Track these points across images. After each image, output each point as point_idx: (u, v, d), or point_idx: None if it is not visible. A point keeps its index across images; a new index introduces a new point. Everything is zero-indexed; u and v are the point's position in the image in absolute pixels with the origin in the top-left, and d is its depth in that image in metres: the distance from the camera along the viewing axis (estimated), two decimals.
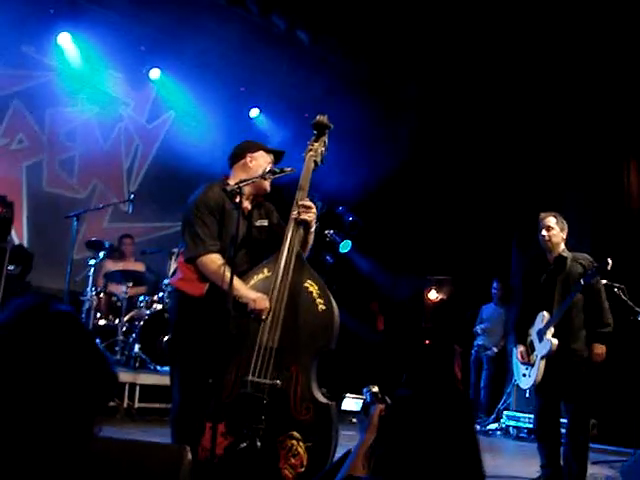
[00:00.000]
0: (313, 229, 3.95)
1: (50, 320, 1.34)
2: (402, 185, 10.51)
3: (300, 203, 3.86)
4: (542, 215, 5.51)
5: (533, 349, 5.37)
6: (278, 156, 4.19)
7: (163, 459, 2.54)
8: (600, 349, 5.16)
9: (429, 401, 1.69)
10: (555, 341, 5.16)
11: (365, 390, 2.37)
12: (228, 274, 3.57)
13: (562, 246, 5.46)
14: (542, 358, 5.24)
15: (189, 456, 2.61)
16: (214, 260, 3.79)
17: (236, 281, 3.70)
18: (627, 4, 7.62)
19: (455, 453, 1.63)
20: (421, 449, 1.62)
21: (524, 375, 5.47)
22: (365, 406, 2.30)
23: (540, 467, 5.40)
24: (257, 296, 3.70)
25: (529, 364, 5.38)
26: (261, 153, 4.10)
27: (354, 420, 8.17)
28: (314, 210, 3.89)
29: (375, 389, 2.35)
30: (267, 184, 4.04)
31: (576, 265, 5.36)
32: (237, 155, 4.12)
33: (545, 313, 5.29)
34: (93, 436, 1.35)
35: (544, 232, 5.42)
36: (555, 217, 5.47)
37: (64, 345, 1.31)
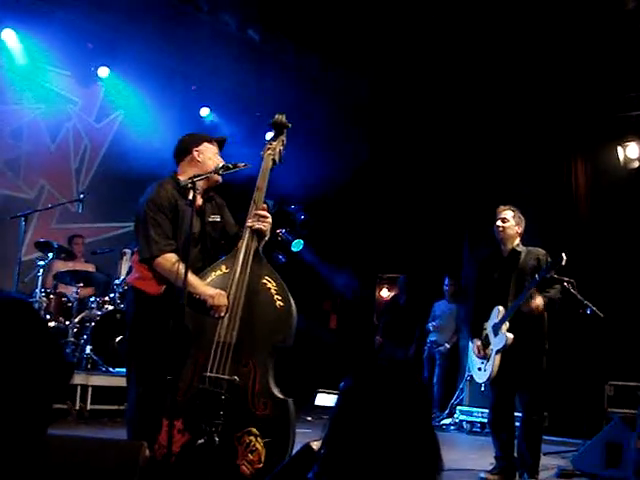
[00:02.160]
0: (267, 238, 3.94)
1: (2, 306, 1.30)
2: (354, 184, 10.56)
3: (255, 212, 3.85)
4: (500, 208, 5.58)
5: (488, 343, 5.42)
6: (221, 144, 4.16)
7: (120, 455, 2.50)
8: (540, 300, 5.15)
9: (376, 389, 1.56)
10: (510, 335, 5.22)
11: (342, 385, 2.35)
12: (183, 270, 3.54)
13: (517, 240, 5.53)
14: (497, 352, 5.30)
15: (146, 452, 2.57)
16: (169, 259, 3.75)
17: (194, 278, 3.67)
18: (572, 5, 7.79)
19: (409, 445, 1.49)
20: (369, 443, 1.49)
21: (479, 369, 5.52)
22: None
23: (494, 459, 5.48)
24: (215, 292, 3.68)
25: (484, 358, 5.43)
26: (205, 145, 4.06)
27: (309, 418, 8.18)
28: (269, 220, 3.88)
29: None
30: (219, 176, 3.99)
31: (530, 259, 5.43)
32: (183, 151, 4.07)
33: (500, 307, 5.36)
34: (49, 424, 1.32)
35: (499, 222, 5.48)
36: (512, 211, 5.53)
37: (17, 331, 1.27)
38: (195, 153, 4.02)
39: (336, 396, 2.01)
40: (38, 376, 1.29)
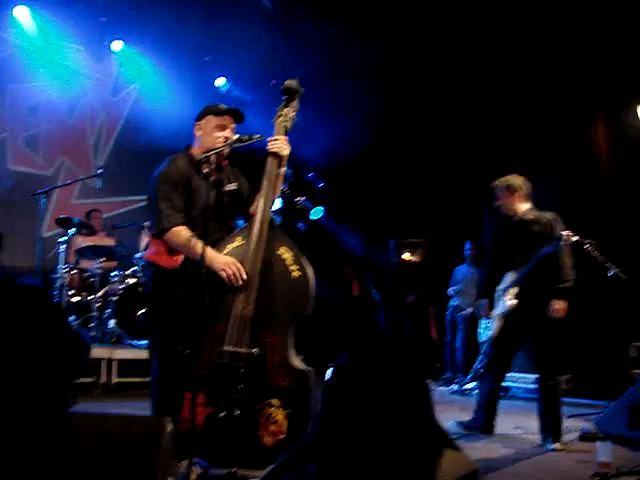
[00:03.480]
0: (284, 163, 3.97)
1: (15, 294, 1.31)
2: (373, 151, 10.48)
3: (270, 138, 3.88)
4: (491, 186, 5.68)
5: (495, 306, 5.58)
6: (236, 115, 4.04)
7: (144, 430, 2.54)
8: (558, 305, 5.22)
9: (373, 366, 1.51)
10: (512, 302, 5.36)
11: (338, 361, 2.34)
12: (199, 244, 3.54)
13: (523, 207, 5.51)
14: (501, 315, 5.46)
15: (170, 427, 2.61)
16: (180, 232, 3.74)
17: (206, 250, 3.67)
18: None
19: (405, 424, 1.45)
20: (364, 420, 1.45)
21: (485, 328, 5.72)
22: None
23: (473, 411, 5.61)
24: (225, 261, 3.68)
25: (488, 318, 5.70)
26: (208, 118, 3.98)
27: None
28: (286, 145, 3.91)
29: None
30: (226, 149, 3.93)
31: (535, 225, 5.42)
32: (194, 124, 4.07)
33: (511, 273, 5.43)
34: (67, 408, 1.34)
35: (495, 203, 5.63)
36: (498, 185, 5.60)
37: (30, 318, 1.29)
38: (196, 127, 4.00)
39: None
40: (53, 361, 1.31)
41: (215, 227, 3.90)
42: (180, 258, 3.82)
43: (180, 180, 3.82)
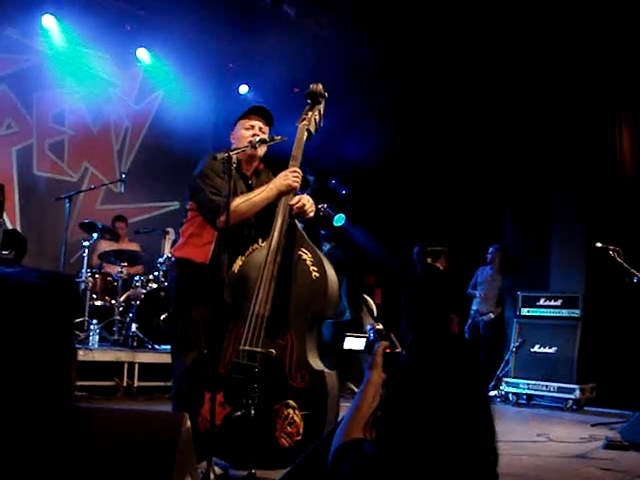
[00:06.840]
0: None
1: (7, 293, 1.30)
2: (396, 157, 10.48)
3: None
4: None
5: None
6: (264, 114, 4.08)
7: (162, 427, 2.53)
8: None
9: (435, 361, 1.58)
10: None
11: (369, 328, 2.33)
12: (253, 193, 3.71)
13: None
14: None
15: (188, 423, 2.60)
16: (237, 200, 3.73)
17: (251, 197, 3.76)
18: None
19: (465, 419, 1.52)
20: (426, 415, 1.51)
21: None
22: (369, 344, 2.25)
23: None
24: (283, 177, 3.79)
25: None
26: (239, 123, 4.05)
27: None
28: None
29: (379, 326, 2.32)
30: (259, 150, 3.96)
31: None
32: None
33: None
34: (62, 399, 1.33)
35: None
36: None
37: (15, 318, 1.28)
38: (232, 137, 4.07)
39: (365, 339, 2.00)
40: (33, 366, 1.30)
41: (242, 227, 3.88)
42: (210, 250, 3.83)
43: (219, 171, 3.83)
